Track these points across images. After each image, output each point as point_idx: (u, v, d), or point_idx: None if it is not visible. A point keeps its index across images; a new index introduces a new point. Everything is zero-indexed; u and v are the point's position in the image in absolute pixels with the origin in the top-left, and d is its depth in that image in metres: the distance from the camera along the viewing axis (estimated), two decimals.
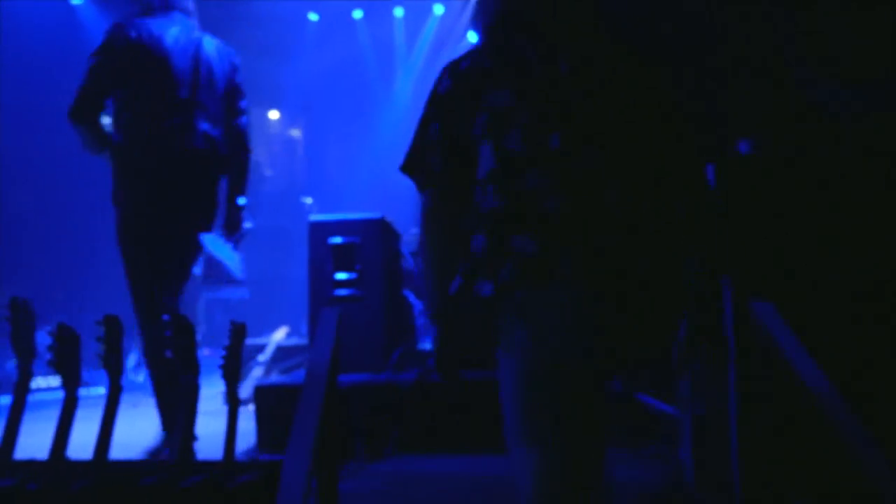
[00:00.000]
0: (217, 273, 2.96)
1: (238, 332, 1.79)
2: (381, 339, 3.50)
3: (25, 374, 1.72)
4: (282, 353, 5.93)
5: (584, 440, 1.26)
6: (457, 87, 1.37)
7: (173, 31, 2.88)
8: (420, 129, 1.41)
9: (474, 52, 1.40)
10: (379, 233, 3.62)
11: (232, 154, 3.06)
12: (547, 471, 1.23)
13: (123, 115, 2.82)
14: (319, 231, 3.60)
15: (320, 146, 12.05)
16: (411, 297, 4.77)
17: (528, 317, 1.24)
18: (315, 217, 3.67)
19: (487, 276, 1.27)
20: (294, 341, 6.13)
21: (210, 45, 3.01)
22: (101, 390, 6.16)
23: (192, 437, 1.76)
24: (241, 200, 3.16)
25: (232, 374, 1.78)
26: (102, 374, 1.73)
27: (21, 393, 1.72)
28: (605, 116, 1.29)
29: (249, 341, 6.07)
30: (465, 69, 1.37)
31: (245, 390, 5.35)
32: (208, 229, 3.01)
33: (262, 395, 3.19)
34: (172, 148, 2.81)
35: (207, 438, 2.39)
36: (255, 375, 5.53)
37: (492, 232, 1.28)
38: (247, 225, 3.22)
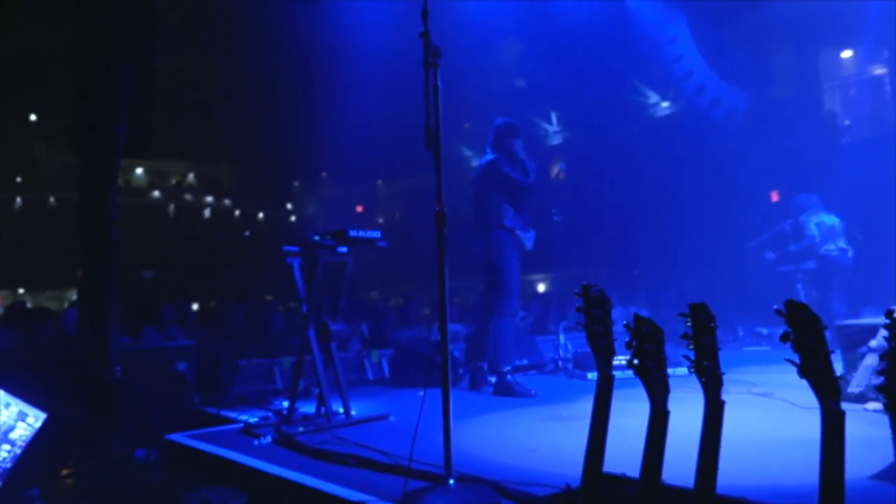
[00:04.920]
0: None
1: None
2: None
3: (605, 378, 1.42)
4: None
5: None
6: None
7: None
8: None
9: None
10: None
11: None
12: None
13: None
14: None
15: None
16: None
17: None
18: None
19: None
20: None
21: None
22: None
23: None
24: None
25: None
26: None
27: (603, 395, 1.43)
28: None
29: (856, 322, 5.01)
30: None
31: (857, 382, 4.38)
32: None
33: None
34: None
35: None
36: (867, 364, 4.49)
37: None
38: None
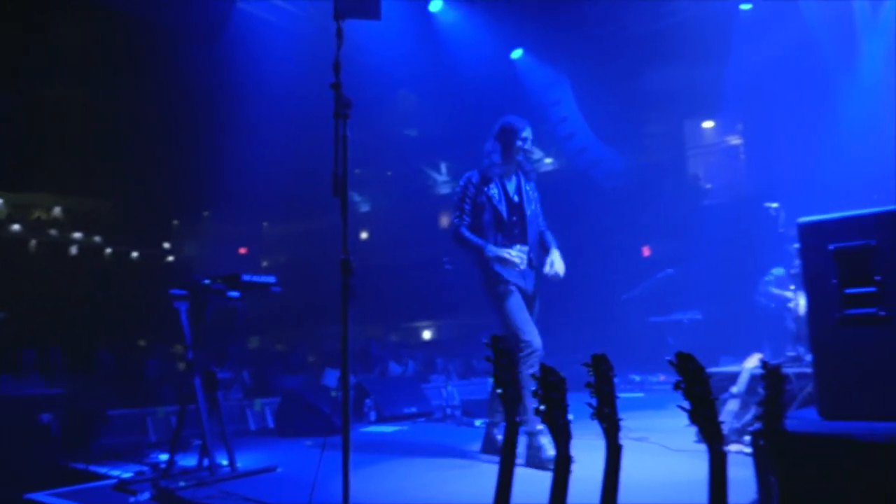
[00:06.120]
0: None
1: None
2: None
3: (513, 425, 1.49)
4: (757, 383, 5.11)
5: None
6: None
7: None
8: None
9: None
10: None
11: None
12: None
13: None
14: (814, 235, 2.83)
15: (765, 149, 10.78)
16: None
17: None
18: (807, 218, 2.91)
19: None
20: None
21: None
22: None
23: None
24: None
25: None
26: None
27: (511, 442, 1.49)
28: None
29: (718, 370, 5.42)
30: None
31: (723, 426, 4.73)
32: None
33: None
34: None
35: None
36: (729, 409, 4.87)
37: None
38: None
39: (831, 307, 2.76)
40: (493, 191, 4.25)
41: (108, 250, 20.81)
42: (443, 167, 17.53)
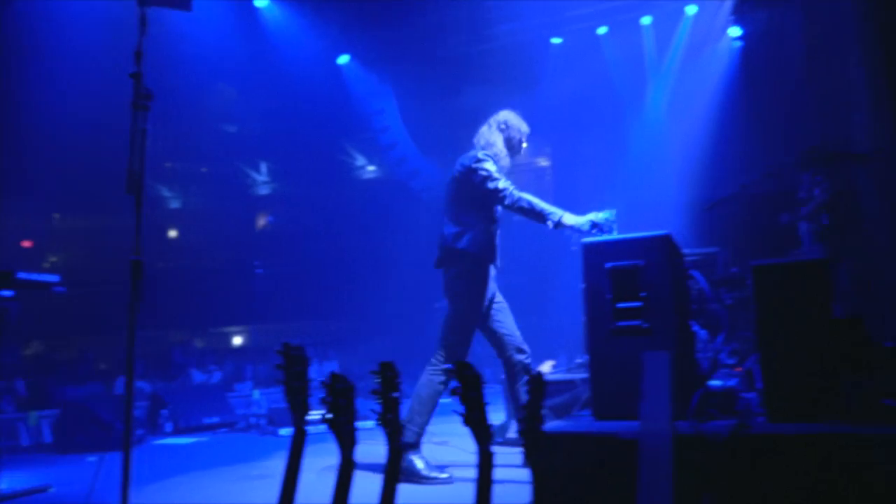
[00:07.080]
0: None
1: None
2: (673, 379, 2.92)
3: (300, 433, 1.50)
4: (548, 388, 5.53)
5: None
6: None
7: None
8: None
9: None
10: (665, 252, 3.06)
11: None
12: None
13: None
14: (594, 254, 3.15)
15: (569, 172, 11.73)
16: (695, 327, 4.12)
17: None
18: (588, 239, 3.24)
19: None
20: (560, 376, 5.70)
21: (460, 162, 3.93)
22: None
23: None
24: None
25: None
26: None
27: (296, 450, 1.50)
28: None
29: None
30: None
31: (512, 430, 5.05)
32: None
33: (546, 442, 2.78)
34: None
35: None
36: None
37: None
38: None
39: (606, 319, 3.08)
40: None
41: None
42: (263, 167, 16.95)
